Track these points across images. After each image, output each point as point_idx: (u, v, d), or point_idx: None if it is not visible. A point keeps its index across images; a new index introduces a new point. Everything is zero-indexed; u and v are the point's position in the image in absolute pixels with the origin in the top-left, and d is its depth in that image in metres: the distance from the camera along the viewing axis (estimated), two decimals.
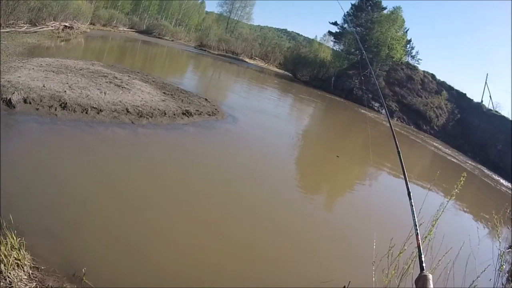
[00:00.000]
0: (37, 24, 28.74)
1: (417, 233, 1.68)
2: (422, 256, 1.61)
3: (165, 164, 8.55)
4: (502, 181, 29.17)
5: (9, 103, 9.21)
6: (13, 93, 9.75)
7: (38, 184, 6.08)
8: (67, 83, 12.06)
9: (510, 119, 45.72)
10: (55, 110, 9.56)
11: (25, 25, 26.59)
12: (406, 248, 4.08)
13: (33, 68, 13.28)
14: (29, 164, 6.67)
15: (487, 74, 71.54)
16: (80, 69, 14.98)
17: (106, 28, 55.52)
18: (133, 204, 6.30)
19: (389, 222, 8.63)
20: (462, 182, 4.20)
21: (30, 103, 9.56)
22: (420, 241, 1.70)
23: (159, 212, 6.31)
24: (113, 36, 45.82)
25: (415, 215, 1.74)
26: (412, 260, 4.06)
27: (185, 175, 8.31)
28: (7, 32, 22.94)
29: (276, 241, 6.70)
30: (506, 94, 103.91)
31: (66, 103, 10.02)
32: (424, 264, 1.58)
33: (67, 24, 33.58)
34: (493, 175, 30.25)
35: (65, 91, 11.02)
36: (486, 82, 54.05)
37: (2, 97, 9.23)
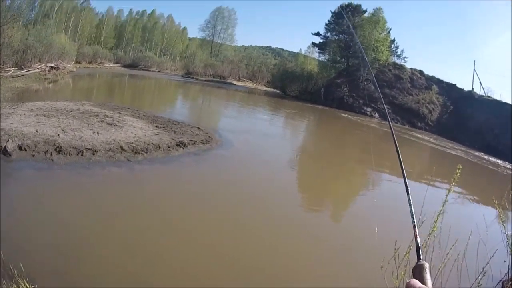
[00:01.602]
0: (23, 67, 29.06)
1: (414, 225, 1.86)
2: (419, 246, 1.80)
3: (165, 198, 8.72)
4: (502, 163, 29.60)
5: (4, 151, 9.45)
6: (8, 140, 10.00)
7: (42, 228, 6.24)
8: (60, 126, 12.31)
9: (504, 101, 46.38)
10: (51, 155, 9.77)
11: (11, 69, 26.91)
12: (411, 248, 3.91)
13: (24, 114, 13.53)
14: (31, 210, 6.84)
15: (474, 61, 72.10)
16: (71, 111, 15.24)
17: (92, 65, 56.14)
18: (138, 239, 6.48)
19: (392, 224, 8.79)
20: (459, 174, 4.26)
21: (25, 149, 9.79)
22: (417, 232, 1.88)
23: (164, 245, 6.46)
24: (99, 73, 46.26)
25: (412, 209, 1.93)
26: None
27: (186, 206, 8.45)
28: None
29: (281, 258, 6.84)
30: (496, 78, 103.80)
31: (61, 147, 10.24)
32: (421, 254, 1.76)
33: (53, 65, 33.94)
34: (493, 159, 30.39)
35: (58, 135, 11.26)
36: (474, 69, 54.28)
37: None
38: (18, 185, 8.02)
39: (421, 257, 1.70)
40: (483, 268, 4.31)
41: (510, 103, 45.55)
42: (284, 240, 7.67)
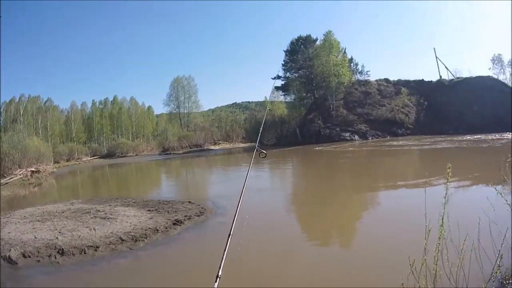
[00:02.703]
0: (5, 175, 29.32)
1: None
2: None
3: (178, 277, 8.90)
4: (491, 137, 30.62)
5: (10, 260, 9.72)
6: (10, 250, 10.27)
7: None
8: (56, 229, 12.55)
9: (475, 75, 49.13)
10: (55, 258, 9.97)
11: None
12: (425, 257, 4.27)
13: (18, 221, 13.84)
14: None
15: (434, 49, 73.70)
16: (62, 212, 15.50)
17: (70, 162, 56.59)
18: None
19: (402, 237, 9.15)
20: (450, 173, 4.48)
21: (29, 256, 10.02)
22: None
23: None
24: (80, 169, 46.56)
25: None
26: (436, 264, 4.30)
27: (199, 280, 8.61)
28: None
29: None
30: (459, 56, 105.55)
31: (63, 249, 10.44)
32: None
33: (33, 169, 34.26)
34: (479, 136, 31.05)
35: (57, 238, 11.50)
36: (436, 57, 56.14)
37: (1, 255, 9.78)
38: None
39: None
40: (499, 251, 4.47)
41: (480, 74, 47.14)
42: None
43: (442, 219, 4.32)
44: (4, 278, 8.87)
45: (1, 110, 68.20)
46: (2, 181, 27.46)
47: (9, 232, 12.30)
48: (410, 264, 4.22)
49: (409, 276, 4.26)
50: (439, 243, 4.23)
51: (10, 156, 32.63)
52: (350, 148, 37.81)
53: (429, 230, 4.27)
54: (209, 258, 10.29)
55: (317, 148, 42.77)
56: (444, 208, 4.37)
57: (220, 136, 78.32)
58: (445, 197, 4.39)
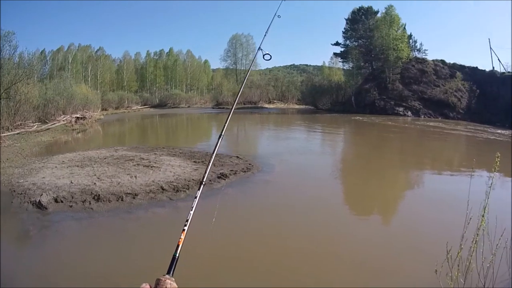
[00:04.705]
0: (47, 121, 29.91)
1: None
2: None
3: (215, 231, 8.53)
4: None
5: (39, 205, 9.61)
6: (41, 194, 10.20)
7: (89, 279, 6.20)
8: (95, 175, 12.47)
9: None
10: (90, 204, 9.82)
11: (34, 124, 27.70)
12: (463, 246, 4.23)
13: (55, 167, 13.85)
14: (76, 260, 6.86)
15: (489, 40, 70.50)
16: (104, 158, 15.49)
17: (119, 110, 57.62)
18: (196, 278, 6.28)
19: (441, 226, 8.68)
20: (498, 162, 4.32)
21: (61, 201, 9.93)
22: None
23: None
24: (129, 117, 47.51)
25: None
26: (471, 256, 4.20)
27: (237, 236, 8.23)
28: (17, 134, 23.87)
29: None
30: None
31: (99, 194, 10.29)
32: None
33: (78, 115, 34.84)
34: None
35: (95, 183, 11.38)
36: (491, 48, 54.76)
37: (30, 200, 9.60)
38: (59, 237, 8.05)
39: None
40: None
41: None
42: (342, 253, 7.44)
43: (484, 209, 4.20)
44: (29, 223, 8.73)
45: (48, 58, 69.76)
46: (43, 126, 27.96)
47: (43, 177, 12.30)
48: (447, 252, 4.22)
49: (444, 263, 4.25)
50: (477, 234, 4.17)
51: (55, 102, 33.36)
52: (403, 124, 36.86)
53: (470, 218, 4.22)
54: (246, 214, 9.93)
55: (371, 119, 42.30)
56: (487, 198, 4.21)
57: (276, 95, 79.07)
58: (489, 187, 4.28)
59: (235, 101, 3.35)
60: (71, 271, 6.49)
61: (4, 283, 5.84)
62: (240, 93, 3.65)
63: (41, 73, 57.25)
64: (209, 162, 2.08)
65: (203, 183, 2.20)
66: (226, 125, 2.58)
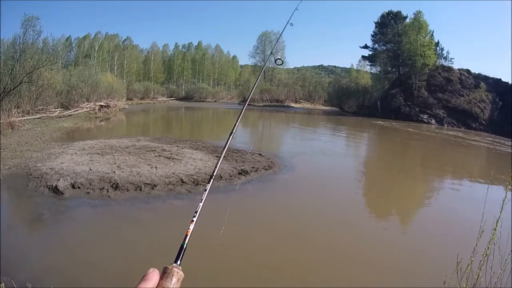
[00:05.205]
0: (70, 108, 30.18)
1: None
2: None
3: (231, 227, 8.39)
4: None
5: (56, 190, 9.62)
6: (59, 179, 10.23)
7: (99, 266, 6.15)
8: (115, 163, 12.46)
9: None
10: (107, 191, 9.79)
11: (56, 109, 27.96)
12: (473, 259, 4.16)
13: (75, 153, 13.93)
14: (89, 246, 6.86)
15: None
16: (126, 147, 15.50)
17: (145, 100, 58.02)
18: (208, 272, 6.17)
19: (452, 237, 8.68)
20: None
21: (79, 187, 9.93)
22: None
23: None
24: (154, 108, 47.81)
25: None
26: (480, 269, 4.13)
27: (252, 234, 8.18)
28: (38, 118, 24.09)
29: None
30: None
31: (118, 183, 10.27)
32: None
33: (102, 104, 35.07)
34: None
35: (114, 172, 11.37)
36: None
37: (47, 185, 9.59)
38: (73, 222, 8.10)
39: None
40: None
41: None
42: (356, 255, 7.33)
43: (497, 222, 4.15)
44: (44, 207, 8.77)
45: (74, 45, 70.42)
46: (65, 113, 28.22)
47: (62, 162, 12.37)
48: (457, 263, 4.18)
49: (453, 275, 4.25)
50: (488, 247, 4.12)
51: (78, 89, 33.80)
52: (426, 132, 36.58)
53: (482, 231, 4.19)
54: (262, 213, 9.78)
55: (395, 125, 41.64)
56: (501, 211, 4.18)
57: (302, 95, 79.00)
58: (503, 201, 4.25)
59: (247, 98, 3.21)
60: (79, 257, 6.47)
61: (6, 270, 5.78)
62: (253, 91, 3.52)
63: (66, 59, 57.94)
64: (220, 157, 1.94)
65: (213, 177, 2.07)
66: (238, 123, 2.44)
